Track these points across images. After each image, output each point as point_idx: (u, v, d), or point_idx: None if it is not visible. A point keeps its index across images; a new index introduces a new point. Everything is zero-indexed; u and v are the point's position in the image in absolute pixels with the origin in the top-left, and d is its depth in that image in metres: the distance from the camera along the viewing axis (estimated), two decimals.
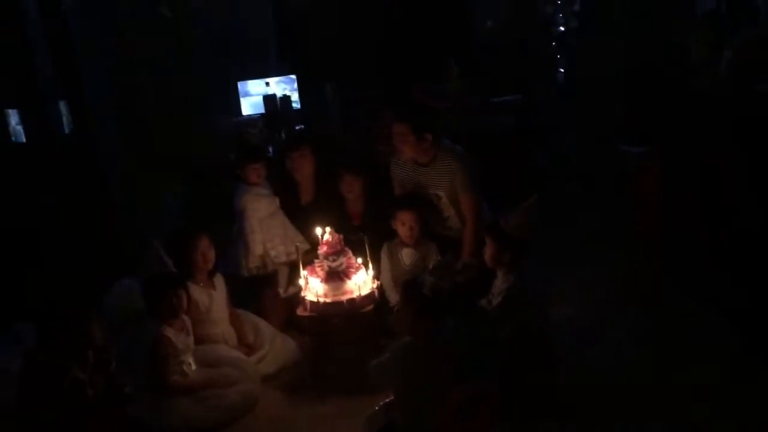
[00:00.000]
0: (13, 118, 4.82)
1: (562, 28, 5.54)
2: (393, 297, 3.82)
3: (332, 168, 4.28)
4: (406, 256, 3.90)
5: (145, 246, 3.61)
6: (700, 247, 3.75)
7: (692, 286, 3.77)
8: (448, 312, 3.06)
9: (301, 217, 4.19)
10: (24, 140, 4.73)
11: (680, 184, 4.08)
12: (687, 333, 3.53)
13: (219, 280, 3.77)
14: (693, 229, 3.85)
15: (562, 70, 5.71)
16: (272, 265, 4.14)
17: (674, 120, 4.30)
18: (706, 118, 3.74)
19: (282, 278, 4.16)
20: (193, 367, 3.33)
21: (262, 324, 3.85)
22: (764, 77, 3.32)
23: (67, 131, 5.11)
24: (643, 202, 4.63)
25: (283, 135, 5.25)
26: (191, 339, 3.39)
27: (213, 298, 3.67)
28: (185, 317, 3.40)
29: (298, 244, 3.95)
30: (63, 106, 5.11)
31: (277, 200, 4.19)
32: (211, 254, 3.67)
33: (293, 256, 4.08)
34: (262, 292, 4.14)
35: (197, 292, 3.59)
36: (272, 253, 4.11)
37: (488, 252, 3.35)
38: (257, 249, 4.09)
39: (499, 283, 3.34)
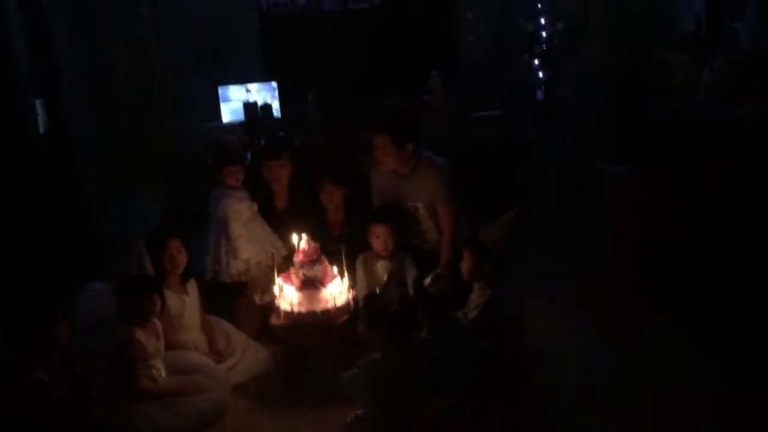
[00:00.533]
0: None
1: (544, 46, 5.57)
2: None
3: (309, 177, 4.25)
4: (381, 268, 3.87)
5: (127, 247, 3.54)
6: (682, 266, 3.77)
7: (672, 307, 3.78)
8: (418, 325, 3.05)
9: (276, 224, 4.15)
10: None
11: (662, 204, 4.10)
12: (663, 351, 3.52)
13: (192, 286, 3.72)
14: (674, 248, 3.87)
15: (543, 87, 5.75)
16: (255, 269, 4.07)
17: (655, 140, 4.34)
18: (686, 139, 3.78)
19: (262, 284, 4.11)
20: (163, 373, 3.26)
21: (234, 332, 3.79)
22: (743, 100, 3.36)
23: (42, 131, 5.02)
24: (624, 221, 4.65)
25: (263, 142, 5.21)
26: (162, 343, 3.32)
27: (185, 304, 3.61)
28: (157, 321, 3.34)
29: (273, 250, 3.90)
30: (39, 105, 5.02)
31: (255, 205, 4.15)
32: (182, 258, 3.61)
33: (267, 262, 4.04)
34: (237, 299, 4.09)
35: (169, 296, 3.53)
36: (256, 257, 4.05)
37: (466, 265, 3.35)
38: (243, 253, 4.03)
39: (476, 297, 3.33)
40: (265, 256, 4.05)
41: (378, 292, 3.32)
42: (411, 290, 3.30)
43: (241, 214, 4.06)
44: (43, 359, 2.75)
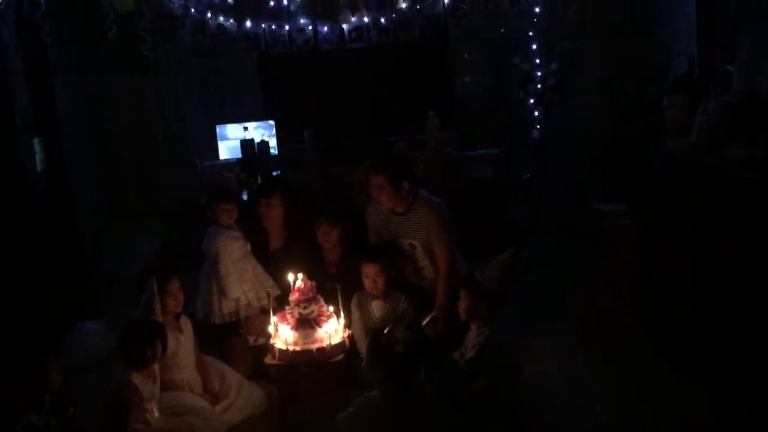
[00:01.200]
0: None
1: (539, 86, 5.64)
2: (364, 348, 3.77)
3: (304, 215, 4.26)
4: (376, 308, 3.86)
5: (139, 285, 3.50)
6: (677, 306, 3.76)
7: (668, 347, 3.77)
8: (418, 366, 3.03)
9: (270, 263, 4.14)
10: None
11: (657, 244, 4.11)
12: (662, 394, 3.49)
13: (186, 324, 3.69)
14: (669, 288, 3.87)
15: (538, 127, 5.80)
16: (245, 311, 4.05)
17: (649, 182, 4.37)
18: (679, 181, 3.80)
19: (253, 325, 4.08)
20: (156, 414, 3.22)
21: (229, 371, 3.76)
22: (736, 142, 3.38)
23: (39, 169, 5.03)
24: (619, 260, 4.66)
25: (259, 180, 5.23)
26: (157, 387, 3.27)
27: (180, 342, 3.58)
28: (154, 365, 3.30)
29: (269, 289, 3.88)
30: (37, 144, 5.04)
31: (248, 244, 4.14)
32: (181, 297, 3.60)
33: (264, 302, 4.02)
34: (230, 338, 4.06)
35: (169, 337, 3.50)
36: (245, 298, 4.03)
37: (462, 305, 3.34)
38: (232, 292, 4.00)
39: (473, 337, 3.32)
40: (255, 296, 4.04)
41: (386, 330, 3.33)
42: (407, 332, 3.28)
43: (232, 253, 4.04)
44: (34, 403, 2.71)
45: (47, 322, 4.06)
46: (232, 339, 4.06)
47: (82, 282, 4.97)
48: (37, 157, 5.01)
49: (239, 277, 4.03)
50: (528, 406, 3.35)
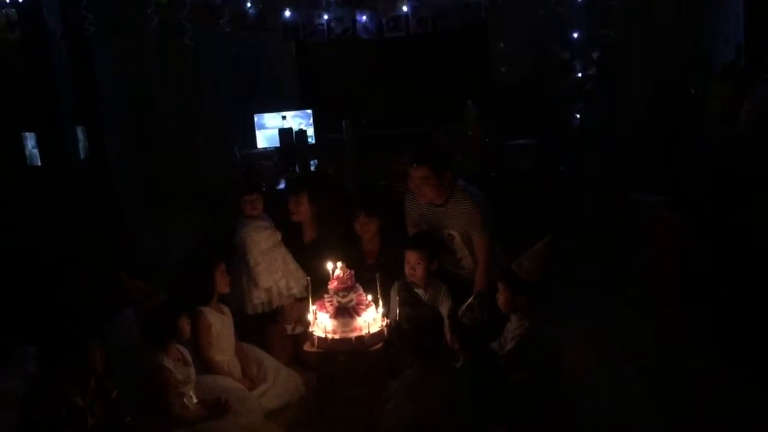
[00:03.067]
0: (30, 141, 4.84)
1: (580, 74, 5.54)
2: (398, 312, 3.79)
3: (340, 207, 4.26)
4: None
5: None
6: (721, 299, 3.69)
7: (711, 340, 3.70)
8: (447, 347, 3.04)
9: (304, 255, 4.15)
10: (39, 163, 4.73)
11: (700, 235, 4.03)
12: (704, 388, 3.44)
13: (227, 310, 3.76)
14: (713, 281, 3.79)
15: (578, 116, 5.71)
16: (276, 300, 4.08)
17: (692, 171, 4.28)
18: (725, 170, 3.72)
19: (290, 314, 4.11)
20: (194, 400, 3.26)
21: (266, 358, 3.80)
22: None
23: (82, 157, 5.12)
24: (660, 252, 4.59)
25: (297, 169, 5.25)
26: (191, 370, 3.32)
27: (224, 323, 3.65)
28: (181, 348, 3.35)
29: (307, 278, 3.90)
30: (80, 132, 5.13)
31: (278, 234, 4.16)
32: (227, 279, 3.68)
33: (295, 291, 4.05)
34: (269, 326, 4.09)
35: (211, 314, 3.59)
36: (276, 287, 4.06)
37: (502, 297, 3.33)
38: (263, 282, 4.03)
39: (513, 328, 3.31)
40: (286, 285, 4.06)
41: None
42: (447, 321, 3.28)
43: (259, 243, 4.07)
44: (79, 385, 2.76)
45: (89, 308, 4.13)
46: (271, 327, 4.09)
47: (124, 269, 5.04)
48: (80, 145, 5.11)
49: (268, 266, 4.06)
50: (566, 398, 3.31)
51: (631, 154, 5.81)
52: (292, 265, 4.14)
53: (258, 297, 4.04)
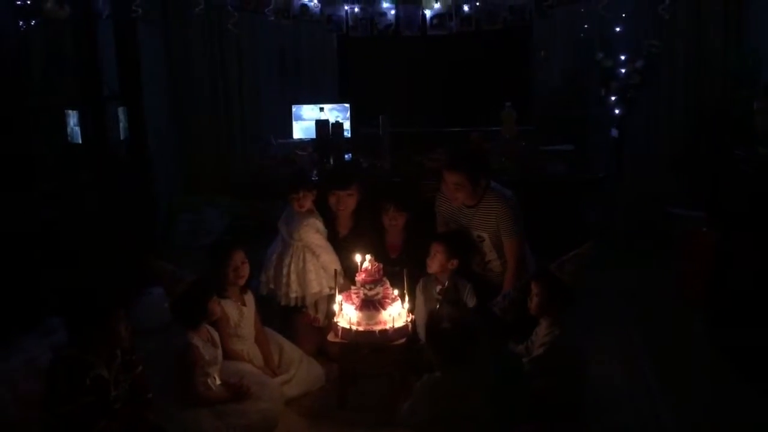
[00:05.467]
0: (72, 119, 4.92)
1: (622, 83, 5.46)
2: (423, 335, 3.76)
3: (373, 201, 4.24)
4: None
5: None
6: (757, 320, 3.61)
7: (743, 360, 3.62)
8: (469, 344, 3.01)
9: (339, 249, 4.11)
10: (80, 141, 4.81)
11: (739, 253, 3.95)
12: (733, 408, 3.37)
13: (250, 298, 3.76)
14: (750, 301, 3.71)
15: (617, 125, 5.63)
16: (312, 297, 4.06)
17: (734, 188, 4.20)
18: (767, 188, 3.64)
19: (322, 307, 4.11)
20: (218, 381, 3.29)
21: (288, 345, 3.80)
22: None
23: (122, 137, 5.19)
24: (694, 268, 4.51)
25: (331, 161, 5.25)
26: (219, 352, 3.35)
27: (243, 315, 3.65)
28: (211, 329, 3.38)
29: (336, 269, 3.90)
30: (121, 112, 5.21)
31: (326, 233, 4.10)
32: (245, 270, 3.65)
33: (330, 290, 3.99)
34: (295, 316, 4.09)
35: (228, 306, 3.58)
36: (314, 285, 4.03)
37: (535, 300, 3.27)
38: (313, 287, 3.99)
39: (542, 334, 3.25)
40: (327, 284, 4.01)
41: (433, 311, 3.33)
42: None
43: (311, 242, 4.02)
44: (105, 357, 2.79)
45: (118, 284, 4.18)
46: (297, 317, 4.08)
47: (155, 250, 5.10)
48: (121, 126, 5.18)
49: (315, 267, 4.02)
50: (589, 408, 3.26)
51: (670, 167, 5.73)
52: (334, 265, 4.05)
53: (295, 291, 4.03)
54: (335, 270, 3.84)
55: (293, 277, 4.01)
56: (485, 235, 3.92)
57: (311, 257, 4.02)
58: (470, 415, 2.83)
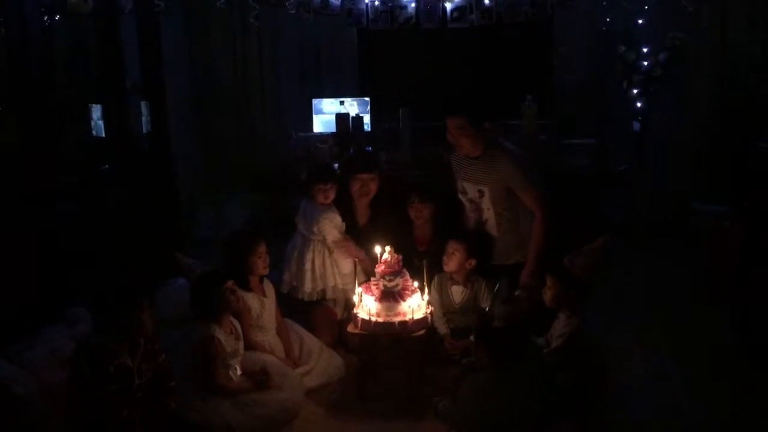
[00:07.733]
0: (96, 112, 4.97)
1: (644, 76, 5.40)
2: (442, 328, 3.79)
3: (394, 192, 4.24)
4: (456, 293, 3.87)
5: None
6: None
7: (763, 355, 3.58)
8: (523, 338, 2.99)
9: (358, 239, 4.13)
10: (103, 135, 4.86)
11: (762, 249, 3.90)
12: (756, 404, 3.33)
13: (269, 288, 3.78)
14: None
15: (640, 118, 5.58)
16: (331, 293, 4.09)
17: (760, 182, 4.15)
18: None
19: (339, 301, 4.13)
20: (239, 372, 3.31)
21: (308, 336, 3.82)
22: None
23: (144, 131, 5.24)
24: (718, 263, 4.46)
25: (351, 153, 5.27)
26: (241, 344, 3.38)
27: (264, 305, 3.67)
28: (234, 321, 3.40)
29: (355, 260, 3.91)
30: (144, 106, 5.25)
31: (343, 225, 4.11)
32: (267, 260, 3.68)
33: (349, 285, 4.01)
34: (316, 308, 4.11)
35: (250, 297, 3.60)
36: (337, 281, 4.06)
37: (550, 292, 3.26)
38: (330, 280, 4.04)
39: (561, 325, 3.24)
40: (344, 280, 4.05)
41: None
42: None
43: (331, 236, 4.04)
44: (128, 345, 2.81)
45: (140, 274, 4.22)
46: (317, 310, 4.10)
47: (177, 243, 5.14)
48: (143, 119, 5.22)
49: (335, 261, 4.05)
50: (610, 401, 3.25)
51: (693, 161, 5.66)
52: (348, 265, 4.11)
53: (314, 287, 4.06)
54: (354, 262, 3.84)
55: (314, 272, 4.04)
56: (485, 189, 3.79)
57: (331, 256, 4.04)
58: (518, 414, 2.84)
